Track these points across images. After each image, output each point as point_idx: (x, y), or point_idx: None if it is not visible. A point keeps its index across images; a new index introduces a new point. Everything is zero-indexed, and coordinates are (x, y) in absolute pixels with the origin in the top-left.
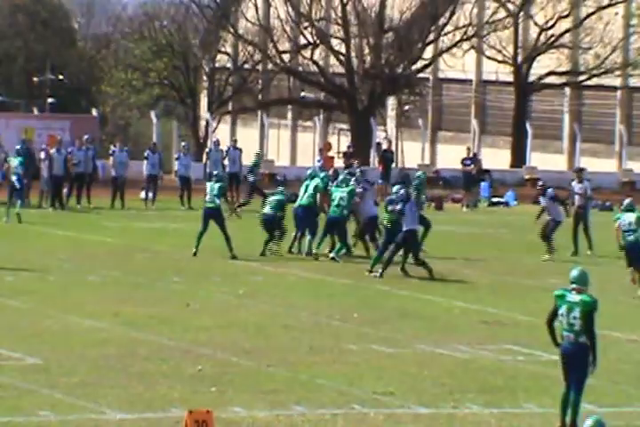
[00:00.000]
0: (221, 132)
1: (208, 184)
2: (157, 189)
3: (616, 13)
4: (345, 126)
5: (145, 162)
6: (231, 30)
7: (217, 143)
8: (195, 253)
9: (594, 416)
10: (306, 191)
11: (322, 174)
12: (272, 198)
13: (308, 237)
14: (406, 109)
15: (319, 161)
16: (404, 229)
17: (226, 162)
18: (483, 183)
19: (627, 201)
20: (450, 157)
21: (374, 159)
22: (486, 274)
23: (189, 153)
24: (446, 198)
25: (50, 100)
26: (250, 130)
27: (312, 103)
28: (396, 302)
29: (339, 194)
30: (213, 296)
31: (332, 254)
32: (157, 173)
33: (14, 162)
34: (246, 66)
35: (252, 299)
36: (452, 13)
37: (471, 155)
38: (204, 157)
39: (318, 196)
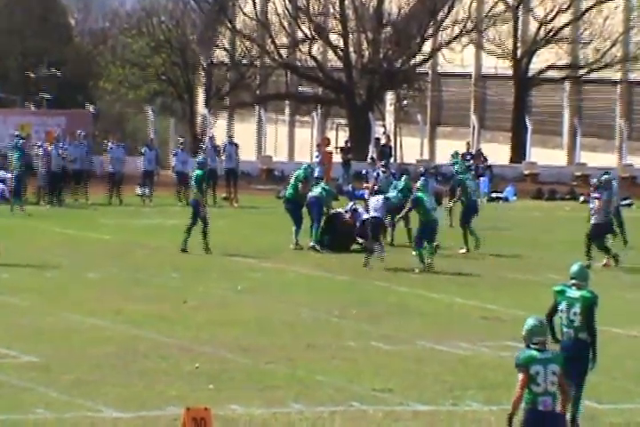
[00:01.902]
0: (219, 128)
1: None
2: (153, 185)
3: (616, 7)
4: (343, 121)
5: (142, 158)
6: (229, 25)
7: (212, 138)
8: (183, 250)
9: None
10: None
11: (304, 165)
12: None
13: (294, 228)
14: (405, 104)
15: (317, 156)
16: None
17: (222, 157)
18: (482, 178)
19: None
20: (449, 152)
21: (372, 154)
22: (486, 270)
23: (187, 149)
24: (445, 193)
25: (46, 95)
26: (247, 125)
27: (310, 98)
28: (395, 299)
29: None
30: (212, 292)
31: (311, 243)
32: (154, 168)
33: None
34: (244, 61)
35: (250, 295)
36: (451, 7)
37: (473, 150)
38: (200, 152)
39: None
